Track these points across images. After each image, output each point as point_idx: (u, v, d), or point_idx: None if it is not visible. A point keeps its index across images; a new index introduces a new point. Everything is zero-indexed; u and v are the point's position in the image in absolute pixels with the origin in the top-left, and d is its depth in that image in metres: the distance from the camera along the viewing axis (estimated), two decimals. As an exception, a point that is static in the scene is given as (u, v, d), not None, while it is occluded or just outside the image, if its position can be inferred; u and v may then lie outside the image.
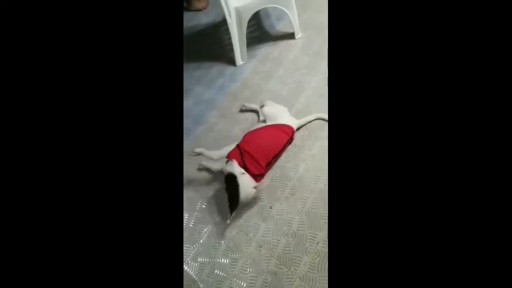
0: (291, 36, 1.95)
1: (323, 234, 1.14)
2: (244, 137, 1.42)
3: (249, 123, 1.62)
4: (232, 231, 1.27)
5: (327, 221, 1.16)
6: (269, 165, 1.35)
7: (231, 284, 1.14)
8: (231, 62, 1.96)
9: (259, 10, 1.84)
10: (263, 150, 1.32)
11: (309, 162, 1.36)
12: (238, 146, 1.33)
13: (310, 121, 1.49)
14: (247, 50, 1.94)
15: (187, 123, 1.73)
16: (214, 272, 1.19)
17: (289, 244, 1.16)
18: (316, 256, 1.10)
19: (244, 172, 1.22)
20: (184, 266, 1.23)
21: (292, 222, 1.21)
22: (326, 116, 1.47)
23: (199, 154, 1.40)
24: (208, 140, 1.63)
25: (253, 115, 1.65)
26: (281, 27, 2.06)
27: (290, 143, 1.43)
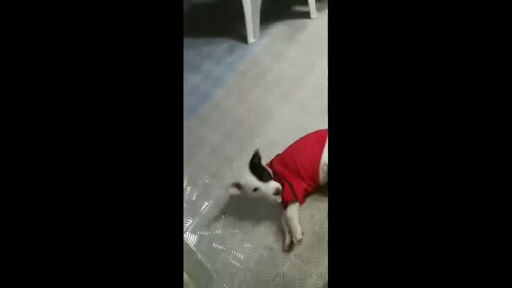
0: (306, 15, 1.90)
1: (321, 215, 1.15)
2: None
3: (256, 103, 1.62)
4: (232, 206, 1.30)
5: (324, 202, 1.18)
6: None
7: (228, 255, 1.18)
8: (243, 39, 1.93)
9: (275, -14, 1.79)
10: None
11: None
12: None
13: None
14: (260, 28, 1.90)
15: (193, 99, 1.73)
16: (212, 245, 1.23)
17: (287, 223, 1.18)
18: (312, 235, 1.12)
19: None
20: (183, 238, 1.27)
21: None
22: None
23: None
24: (214, 118, 1.64)
25: (261, 95, 1.64)
26: (296, 6, 2.01)
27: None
